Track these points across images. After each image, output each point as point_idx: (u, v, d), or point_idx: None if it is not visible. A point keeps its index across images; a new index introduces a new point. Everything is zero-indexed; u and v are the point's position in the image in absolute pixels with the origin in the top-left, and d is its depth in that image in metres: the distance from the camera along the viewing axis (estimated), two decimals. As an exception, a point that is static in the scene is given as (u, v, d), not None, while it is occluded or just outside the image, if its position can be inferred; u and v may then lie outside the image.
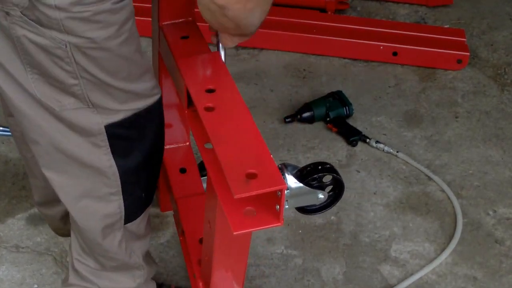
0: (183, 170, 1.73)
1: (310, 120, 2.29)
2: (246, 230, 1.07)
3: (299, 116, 2.29)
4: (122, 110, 1.21)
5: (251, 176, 1.04)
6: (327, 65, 2.56)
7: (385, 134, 2.26)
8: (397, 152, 2.17)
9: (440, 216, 2.00)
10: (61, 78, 1.12)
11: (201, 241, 1.54)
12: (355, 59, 2.58)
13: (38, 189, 1.66)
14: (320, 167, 1.20)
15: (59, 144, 1.23)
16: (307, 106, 2.29)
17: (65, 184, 1.31)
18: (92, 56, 1.10)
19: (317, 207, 1.26)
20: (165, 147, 1.42)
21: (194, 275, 1.51)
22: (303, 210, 1.26)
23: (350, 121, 2.28)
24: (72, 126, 1.20)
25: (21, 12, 1.03)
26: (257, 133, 1.16)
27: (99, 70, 1.13)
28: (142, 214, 1.43)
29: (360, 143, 2.22)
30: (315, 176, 1.19)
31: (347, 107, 2.28)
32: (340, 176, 1.22)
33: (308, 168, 1.20)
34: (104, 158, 1.25)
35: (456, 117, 2.34)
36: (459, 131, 2.28)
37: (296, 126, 2.30)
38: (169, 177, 1.70)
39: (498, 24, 2.77)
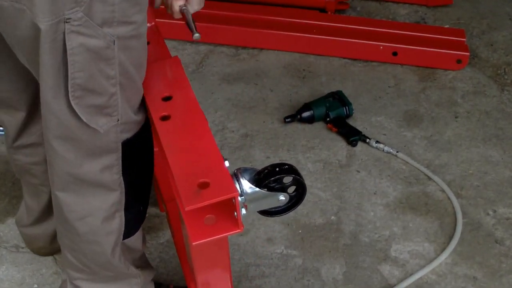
0: None
1: (310, 120, 2.29)
2: (205, 240, 1.06)
3: (299, 116, 2.29)
4: (135, 122, 1.22)
5: (203, 186, 1.04)
6: (327, 65, 2.57)
7: (385, 134, 2.26)
8: (397, 152, 2.17)
9: (440, 216, 2.00)
10: (103, 89, 1.11)
11: None
12: (355, 59, 2.58)
13: (31, 211, 1.65)
14: (277, 169, 1.16)
15: (73, 171, 1.21)
16: (307, 106, 2.30)
17: (73, 203, 1.28)
18: (131, 47, 1.11)
19: (281, 208, 1.23)
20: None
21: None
22: (267, 213, 1.23)
23: (350, 121, 2.28)
24: (92, 150, 1.19)
25: (82, 12, 1.01)
26: (211, 141, 1.15)
27: (132, 63, 1.14)
28: (140, 229, 1.42)
29: (360, 143, 2.22)
30: (271, 178, 1.16)
31: (347, 107, 2.28)
32: (300, 176, 1.18)
33: (265, 171, 1.18)
34: (115, 177, 1.24)
35: (456, 117, 2.34)
36: (459, 131, 2.28)
37: (296, 126, 2.30)
38: (158, 180, 1.70)
39: (498, 24, 2.77)
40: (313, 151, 2.20)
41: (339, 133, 2.25)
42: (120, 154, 1.22)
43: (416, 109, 2.37)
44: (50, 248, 1.77)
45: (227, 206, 1.07)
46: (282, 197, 1.18)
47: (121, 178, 1.25)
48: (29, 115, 1.41)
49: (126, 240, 1.38)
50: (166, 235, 1.92)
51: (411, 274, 1.83)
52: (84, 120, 1.12)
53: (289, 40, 2.59)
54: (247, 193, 1.14)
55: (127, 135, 1.21)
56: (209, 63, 2.58)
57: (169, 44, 2.63)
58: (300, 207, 2.00)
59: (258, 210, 1.20)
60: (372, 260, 1.87)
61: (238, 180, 1.14)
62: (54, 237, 1.64)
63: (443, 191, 2.06)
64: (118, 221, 1.32)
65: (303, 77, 2.51)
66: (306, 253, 1.89)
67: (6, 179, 2.09)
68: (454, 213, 1.99)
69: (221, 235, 1.07)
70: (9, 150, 1.52)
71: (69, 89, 1.08)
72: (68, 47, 1.03)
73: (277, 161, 2.14)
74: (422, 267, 1.85)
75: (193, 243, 1.05)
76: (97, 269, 1.42)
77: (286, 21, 2.61)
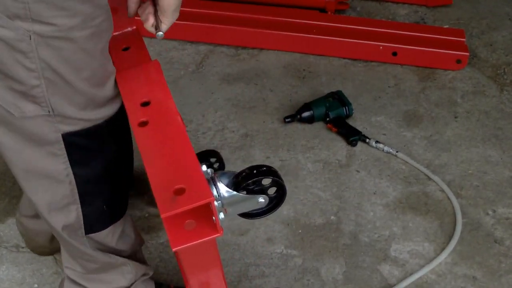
0: None
1: (309, 120, 2.29)
2: (185, 245, 1.06)
3: (299, 116, 2.29)
4: (82, 119, 1.20)
5: (179, 192, 1.04)
6: (326, 65, 2.57)
7: (384, 134, 2.27)
8: (397, 152, 2.17)
9: (440, 216, 2.00)
10: (23, 79, 1.11)
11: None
12: (354, 59, 2.58)
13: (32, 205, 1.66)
14: (255, 171, 1.15)
15: (16, 158, 1.22)
16: (306, 106, 2.30)
17: (32, 198, 1.31)
18: (56, 47, 1.09)
19: (263, 210, 1.22)
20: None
21: None
22: (247, 215, 1.22)
23: (350, 121, 2.29)
24: (29, 136, 1.19)
25: None
26: (188, 146, 1.15)
27: (62, 63, 1.11)
28: (110, 228, 1.41)
29: (359, 143, 2.22)
30: (249, 181, 1.15)
31: (346, 107, 2.29)
32: (278, 177, 1.17)
33: (243, 174, 1.17)
34: (61, 167, 1.24)
35: (456, 117, 2.34)
36: (459, 131, 2.28)
37: (296, 126, 2.30)
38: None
39: (498, 24, 2.77)
40: (313, 151, 2.20)
41: (339, 133, 2.25)
42: (62, 146, 1.21)
43: (416, 109, 2.37)
44: (50, 247, 1.78)
45: (206, 210, 1.07)
46: (261, 199, 1.17)
47: (69, 169, 1.25)
48: None
49: (93, 235, 1.38)
50: (166, 235, 1.92)
51: (410, 274, 1.84)
52: (0, 103, 1.14)
53: (289, 40, 2.59)
54: (224, 197, 1.14)
55: (68, 128, 1.20)
56: (209, 63, 2.58)
57: (169, 44, 2.64)
58: (300, 207, 2.02)
59: (238, 213, 1.19)
60: (372, 260, 1.87)
61: (215, 185, 1.13)
62: (53, 235, 1.65)
63: (442, 191, 2.07)
64: (75, 215, 1.32)
65: (303, 77, 2.51)
66: (306, 253, 1.89)
67: (6, 179, 2.09)
68: (454, 213, 1.99)
69: (200, 240, 1.07)
70: None
71: None
72: None
73: (277, 161, 2.14)
74: (421, 267, 1.85)
75: (173, 249, 1.05)
76: (80, 261, 1.44)
77: (286, 21, 2.61)
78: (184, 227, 1.08)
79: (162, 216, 1.01)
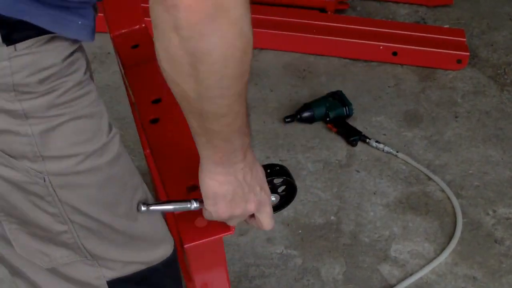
0: None
1: (310, 120, 2.29)
2: (197, 242, 1.04)
3: (299, 116, 2.29)
4: (132, 262, 0.98)
5: (192, 189, 1.04)
6: (326, 65, 2.56)
7: (384, 134, 2.26)
8: (397, 152, 2.17)
9: (440, 216, 2.00)
10: (45, 225, 0.89)
11: None
12: (354, 59, 2.58)
13: None
14: (269, 171, 1.13)
15: None
16: (306, 106, 2.29)
17: None
18: (80, 185, 0.87)
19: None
20: None
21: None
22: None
23: (350, 121, 2.28)
24: (66, 279, 0.97)
25: None
26: None
27: (92, 205, 0.89)
28: None
29: (360, 143, 2.22)
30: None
31: (346, 107, 2.28)
32: (291, 177, 1.15)
33: None
34: None
35: (456, 117, 2.34)
36: (459, 131, 2.28)
37: (296, 126, 2.30)
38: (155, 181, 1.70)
39: (498, 24, 2.77)
40: (313, 151, 2.20)
41: (339, 133, 2.25)
42: None
43: (416, 109, 2.37)
44: None
45: None
46: (273, 198, 1.18)
47: None
48: None
49: None
50: (166, 235, 1.92)
51: (411, 274, 1.83)
52: (18, 250, 0.92)
53: (289, 40, 2.58)
54: None
55: (115, 274, 0.98)
56: (209, 63, 2.58)
57: (169, 44, 2.63)
58: (300, 207, 2.01)
59: None
60: (372, 260, 1.87)
61: None
62: None
63: (443, 191, 2.06)
64: None
65: (303, 77, 2.51)
66: (306, 253, 1.89)
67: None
68: (454, 213, 1.99)
69: (213, 238, 1.06)
70: None
71: (2, 221, 0.90)
72: None
73: (277, 161, 2.14)
74: (422, 267, 1.85)
75: (185, 246, 1.04)
76: None
77: (286, 21, 2.61)
78: (196, 224, 1.07)
79: (176, 212, 1.00)
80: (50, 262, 0.93)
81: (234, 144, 0.87)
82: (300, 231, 1.95)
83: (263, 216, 1.01)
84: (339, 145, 2.22)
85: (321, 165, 2.15)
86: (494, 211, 2.01)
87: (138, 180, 0.98)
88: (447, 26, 2.75)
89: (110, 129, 0.91)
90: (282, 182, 1.18)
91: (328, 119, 2.27)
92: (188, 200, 1.00)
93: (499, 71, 2.53)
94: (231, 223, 1.01)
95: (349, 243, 1.91)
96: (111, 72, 2.47)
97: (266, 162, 1.12)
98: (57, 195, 0.86)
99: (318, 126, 2.29)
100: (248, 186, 0.95)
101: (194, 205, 0.99)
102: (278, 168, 1.15)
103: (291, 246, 1.90)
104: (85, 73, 0.88)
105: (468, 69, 2.53)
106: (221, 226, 1.07)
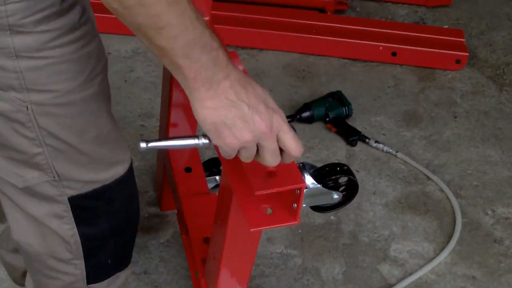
0: (188, 169, 1.72)
1: (309, 120, 2.29)
2: (263, 227, 1.07)
3: (298, 116, 2.29)
4: (90, 181, 1.11)
5: (271, 175, 1.04)
6: (326, 65, 2.57)
7: (384, 134, 2.27)
8: (396, 152, 2.18)
9: (439, 215, 2.00)
10: (23, 148, 1.03)
11: (205, 240, 1.55)
12: (354, 59, 2.59)
13: (11, 239, 1.57)
14: (338, 169, 1.22)
15: (22, 207, 1.14)
16: (306, 106, 2.30)
17: (31, 242, 1.20)
18: (56, 114, 1.00)
19: (330, 205, 1.28)
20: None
21: (197, 274, 1.51)
22: (317, 208, 1.28)
23: (350, 121, 2.29)
24: (34, 195, 1.11)
25: None
26: None
27: (65, 130, 1.03)
28: (112, 277, 1.32)
29: (359, 143, 2.22)
30: (332, 177, 1.22)
31: (346, 107, 2.29)
32: (355, 178, 1.25)
33: (326, 169, 1.23)
34: (66, 227, 1.15)
35: (455, 117, 2.34)
36: (458, 131, 2.28)
37: (296, 126, 2.29)
38: (174, 176, 1.71)
39: (497, 25, 2.77)
40: (312, 151, 2.20)
41: (339, 133, 2.25)
42: (68, 208, 1.12)
43: (415, 109, 2.37)
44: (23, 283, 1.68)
45: (284, 197, 1.08)
46: (336, 196, 1.24)
47: (75, 230, 1.16)
48: None
49: (93, 285, 1.29)
50: (166, 234, 1.93)
51: (410, 274, 1.84)
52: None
53: (288, 40, 2.59)
54: (309, 188, 1.19)
55: (75, 192, 1.11)
56: (209, 63, 2.58)
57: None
58: (299, 207, 2.02)
59: (312, 205, 1.24)
60: (372, 260, 1.88)
61: (302, 174, 1.15)
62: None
63: (442, 191, 2.07)
64: (78, 267, 1.24)
65: (303, 77, 2.51)
66: (305, 253, 1.89)
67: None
68: (453, 213, 2.00)
69: (278, 225, 1.09)
70: None
71: None
72: None
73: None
74: (421, 266, 1.86)
75: (251, 230, 1.05)
76: None
77: (285, 21, 2.61)
78: (260, 211, 1.08)
79: (257, 193, 1.00)
80: (24, 182, 1.07)
81: (200, 60, 0.86)
82: (300, 231, 1.95)
83: (284, 138, 0.92)
84: (339, 145, 2.23)
85: (321, 165, 2.15)
86: (493, 211, 2.01)
87: (109, 114, 1.10)
88: (446, 26, 2.76)
89: (94, 68, 1.02)
90: (346, 182, 1.24)
91: (327, 119, 2.28)
92: (195, 136, 0.94)
93: (498, 71, 2.54)
94: (260, 159, 0.95)
95: (348, 243, 1.92)
96: (111, 72, 2.47)
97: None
98: (37, 122, 0.99)
99: (317, 126, 2.30)
100: (246, 105, 0.93)
101: (203, 140, 0.93)
102: (346, 167, 1.22)
103: (291, 246, 1.91)
104: (80, 17, 0.97)
105: (467, 69, 2.54)
106: (288, 215, 1.08)
